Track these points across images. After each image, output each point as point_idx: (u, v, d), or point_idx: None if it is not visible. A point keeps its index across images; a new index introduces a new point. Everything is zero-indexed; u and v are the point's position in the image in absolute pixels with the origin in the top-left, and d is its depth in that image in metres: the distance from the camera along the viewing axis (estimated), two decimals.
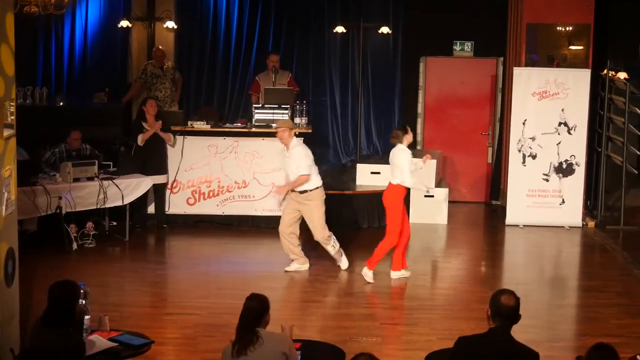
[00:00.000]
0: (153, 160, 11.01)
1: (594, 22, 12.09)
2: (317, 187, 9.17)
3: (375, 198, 11.70)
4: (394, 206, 8.92)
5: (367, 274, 8.99)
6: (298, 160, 9.06)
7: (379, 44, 13.45)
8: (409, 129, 9.02)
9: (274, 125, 11.08)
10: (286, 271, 9.30)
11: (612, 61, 12.18)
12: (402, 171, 8.82)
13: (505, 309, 4.66)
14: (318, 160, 9.99)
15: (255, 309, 4.92)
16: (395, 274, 9.12)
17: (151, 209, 11.30)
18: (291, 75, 12.46)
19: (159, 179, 11.06)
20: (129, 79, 13.58)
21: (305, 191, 9.12)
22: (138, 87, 12.53)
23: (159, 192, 11.16)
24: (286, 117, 11.22)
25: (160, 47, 12.74)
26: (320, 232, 9.21)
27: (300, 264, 9.39)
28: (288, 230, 9.25)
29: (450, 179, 13.39)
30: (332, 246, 9.33)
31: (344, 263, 9.48)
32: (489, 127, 13.70)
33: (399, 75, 13.60)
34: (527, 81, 11.84)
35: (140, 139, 10.86)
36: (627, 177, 12.03)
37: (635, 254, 10.35)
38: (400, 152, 8.87)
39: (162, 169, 11.14)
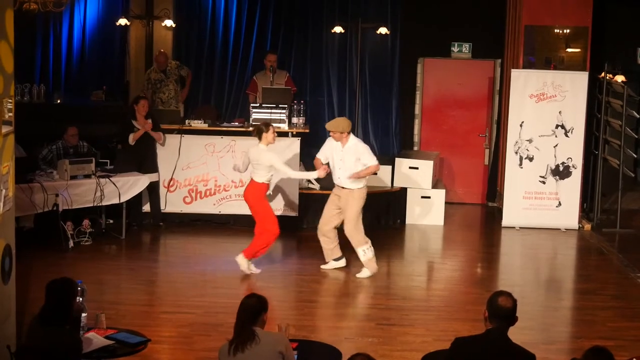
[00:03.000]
0: (144, 159, 11.00)
1: (592, 24, 12.10)
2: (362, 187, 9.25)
3: (373, 198, 11.71)
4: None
5: (247, 266, 9.13)
6: (363, 154, 9.07)
7: (377, 44, 13.45)
8: (268, 128, 9.09)
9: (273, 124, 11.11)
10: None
11: (610, 64, 12.21)
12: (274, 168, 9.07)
13: (502, 311, 4.67)
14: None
15: (253, 307, 4.92)
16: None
17: (146, 207, 11.30)
18: (289, 75, 12.46)
19: (151, 177, 11.05)
20: (126, 77, 13.58)
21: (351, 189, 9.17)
22: (150, 96, 12.33)
23: (151, 190, 11.15)
24: (283, 116, 11.23)
25: (161, 50, 12.72)
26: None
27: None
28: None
29: (447, 181, 13.40)
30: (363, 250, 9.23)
31: (363, 272, 9.28)
32: (486, 129, 13.72)
33: (396, 76, 13.59)
34: (524, 83, 11.85)
35: (132, 138, 10.85)
36: (623, 180, 12.05)
37: (631, 256, 10.38)
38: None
39: (152, 167, 11.12)
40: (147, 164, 11.00)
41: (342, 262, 9.44)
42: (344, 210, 9.22)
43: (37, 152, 10.56)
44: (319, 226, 9.43)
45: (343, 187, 9.19)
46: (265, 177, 9.05)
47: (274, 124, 10.92)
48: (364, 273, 9.21)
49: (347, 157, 9.08)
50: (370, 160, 9.13)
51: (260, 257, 9.26)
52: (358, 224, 9.24)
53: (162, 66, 12.34)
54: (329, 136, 9.25)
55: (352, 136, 9.16)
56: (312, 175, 9.41)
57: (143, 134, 10.88)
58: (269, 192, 9.61)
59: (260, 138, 9.06)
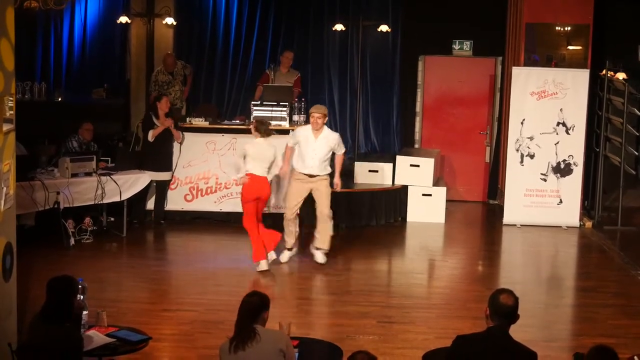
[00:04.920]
0: (160, 156, 11.02)
1: (593, 22, 12.09)
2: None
3: (373, 196, 11.73)
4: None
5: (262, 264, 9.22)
6: (338, 143, 9.46)
7: (378, 42, 13.45)
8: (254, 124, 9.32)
9: (272, 122, 11.12)
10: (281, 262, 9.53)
11: (611, 61, 12.19)
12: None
13: (504, 309, 4.67)
14: None
15: (255, 305, 4.92)
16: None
17: (150, 204, 11.29)
18: (299, 76, 12.46)
19: (164, 176, 11.08)
20: (127, 74, 13.58)
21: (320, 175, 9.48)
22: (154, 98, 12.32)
23: (161, 188, 11.17)
24: (284, 114, 11.25)
25: (169, 52, 12.71)
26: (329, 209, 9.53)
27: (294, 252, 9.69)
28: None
29: (448, 178, 13.40)
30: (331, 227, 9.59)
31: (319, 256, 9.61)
32: (487, 127, 13.71)
33: (397, 73, 13.60)
34: (525, 81, 11.85)
35: (151, 135, 10.87)
36: (624, 178, 12.04)
37: (632, 254, 10.37)
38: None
39: (168, 166, 11.14)
40: (161, 162, 11.02)
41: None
42: (319, 196, 9.47)
43: (38, 152, 10.55)
44: (287, 215, 9.56)
45: (314, 175, 9.41)
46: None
47: (275, 122, 11.03)
48: (322, 258, 9.51)
49: (321, 147, 9.39)
50: (341, 147, 9.57)
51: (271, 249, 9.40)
52: None
53: (170, 68, 12.33)
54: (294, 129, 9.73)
55: (325, 126, 9.45)
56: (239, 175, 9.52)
57: (163, 132, 10.89)
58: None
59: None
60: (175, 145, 11.20)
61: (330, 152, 9.47)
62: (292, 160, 9.56)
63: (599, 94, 12.28)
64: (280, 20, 13.44)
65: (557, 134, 11.84)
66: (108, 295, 8.13)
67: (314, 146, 9.35)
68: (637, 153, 12.25)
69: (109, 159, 10.87)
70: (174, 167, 11.23)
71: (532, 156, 11.89)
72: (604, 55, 12.27)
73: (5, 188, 5.93)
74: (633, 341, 7.26)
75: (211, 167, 11.31)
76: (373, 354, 4.27)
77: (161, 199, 11.27)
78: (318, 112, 9.33)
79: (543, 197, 11.91)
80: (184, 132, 11.22)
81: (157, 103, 10.96)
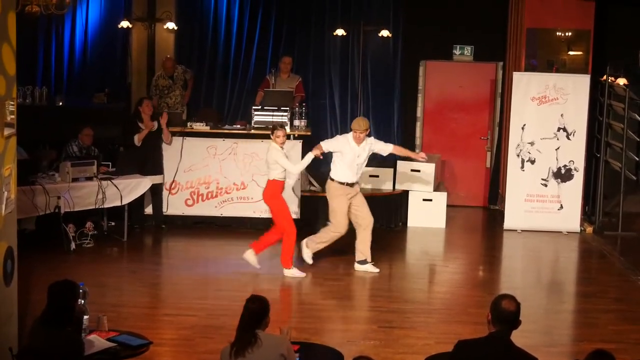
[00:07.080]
0: (149, 160, 11.01)
1: (594, 27, 12.11)
2: None
3: (374, 201, 11.71)
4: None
5: (294, 273, 9.24)
6: (377, 142, 9.47)
7: (379, 47, 13.46)
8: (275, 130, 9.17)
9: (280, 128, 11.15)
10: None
11: (612, 67, 12.20)
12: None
13: (505, 314, 4.67)
14: (318, 163, 10.02)
15: (256, 311, 4.92)
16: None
17: (148, 209, 11.30)
18: (301, 80, 12.46)
19: (156, 179, 11.06)
20: (128, 79, 13.59)
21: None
22: (156, 103, 12.17)
23: (155, 192, 11.16)
24: (285, 119, 11.25)
25: (168, 56, 12.72)
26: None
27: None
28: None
29: (449, 183, 13.40)
30: None
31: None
32: (488, 132, 13.72)
33: (398, 78, 13.59)
34: (526, 86, 11.85)
35: (137, 139, 10.88)
36: (625, 183, 12.03)
37: (633, 259, 10.36)
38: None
39: (158, 169, 11.14)
40: (152, 165, 11.02)
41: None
42: (361, 204, 9.50)
43: (40, 157, 10.57)
44: (342, 232, 9.48)
45: (356, 183, 9.50)
46: (276, 175, 9.11)
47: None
48: (374, 267, 9.50)
49: (366, 155, 9.41)
50: (384, 144, 9.55)
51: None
52: None
53: (169, 72, 12.33)
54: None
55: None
56: (309, 156, 9.40)
57: (149, 136, 10.90)
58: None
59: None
60: (177, 149, 11.20)
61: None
62: (333, 173, 9.41)
63: (600, 100, 12.29)
64: (281, 25, 13.46)
65: (557, 139, 11.85)
66: (109, 299, 8.13)
67: (363, 156, 9.34)
68: (637, 158, 12.26)
69: (110, 163, 10.88)
70: (175, 172, 11.23)
71: (532, 161, 11.89)
72: (605, 61, 12.27)
73: (6, 192, 5.93)
74: (633, 347, 7.25)
75: (212, 172, 11.31)
76: (374, 359, 4.27)
77: (158, 202, 11.27)
78: (360, 129, 9.20)
79: (544, 202, 11.91)
80: (184, 137, 11.24)
81: (139, 107, 10.97)
